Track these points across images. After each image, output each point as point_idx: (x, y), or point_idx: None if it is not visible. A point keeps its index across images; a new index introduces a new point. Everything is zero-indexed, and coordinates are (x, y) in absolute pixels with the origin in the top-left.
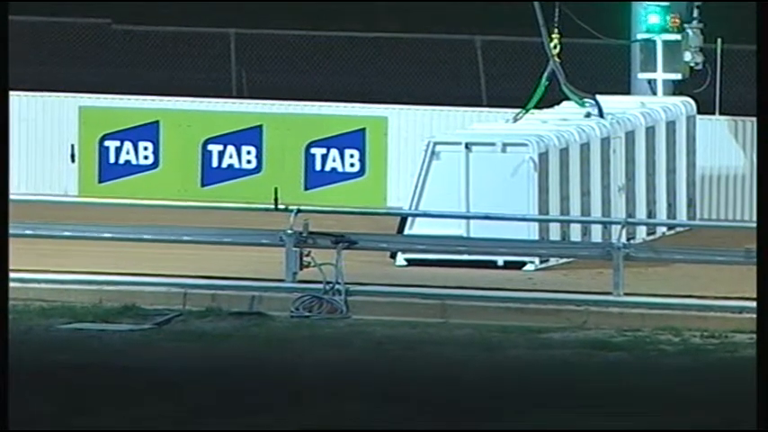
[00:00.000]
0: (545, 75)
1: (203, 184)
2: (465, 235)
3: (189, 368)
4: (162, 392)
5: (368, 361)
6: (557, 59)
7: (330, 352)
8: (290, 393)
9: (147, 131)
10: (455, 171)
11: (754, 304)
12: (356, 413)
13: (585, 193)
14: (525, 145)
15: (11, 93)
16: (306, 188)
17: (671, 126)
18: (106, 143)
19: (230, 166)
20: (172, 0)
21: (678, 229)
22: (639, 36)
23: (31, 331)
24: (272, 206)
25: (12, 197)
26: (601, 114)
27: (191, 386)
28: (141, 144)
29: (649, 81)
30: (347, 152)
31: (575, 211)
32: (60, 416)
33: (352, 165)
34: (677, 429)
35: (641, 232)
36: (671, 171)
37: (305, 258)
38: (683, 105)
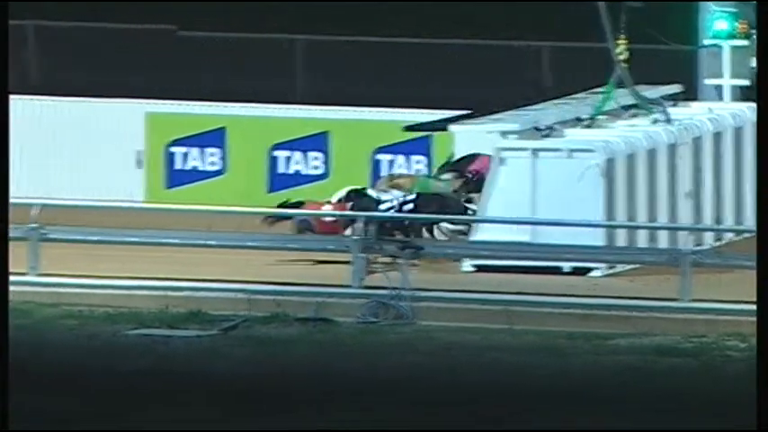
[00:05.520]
0: (613, 80)
1: (270, 190)
2: (531, 241)
3: (254, 374)
4: (227, 398)
5: (433, 367)
6: (624, 65)
7: (395, 358)
8: (354, 399)
9: (214, 137)
10: (521, 177)
11: None
12: (421, 419)
13: (652, 199)
14: (592, 151)
15: (78, 99)
16: None
17: (738, 132)
18: (173, 149)
19: (297, 171)
20: (237, 0)
21: (745, 234)
22: (707, 42)
23: (97, 337)
24: (339, 213)
25: (79, 203)
26: (668, 120)
27: (255, 392)
28: (208, 150)
29: (716, 87)
30: (413, 158)
31: (641, 216)
32: (123, 421)
33: (418, 171)
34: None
35: (708, 238)
36: (738, 177)
37: (371, 264)
38: (750, 111)
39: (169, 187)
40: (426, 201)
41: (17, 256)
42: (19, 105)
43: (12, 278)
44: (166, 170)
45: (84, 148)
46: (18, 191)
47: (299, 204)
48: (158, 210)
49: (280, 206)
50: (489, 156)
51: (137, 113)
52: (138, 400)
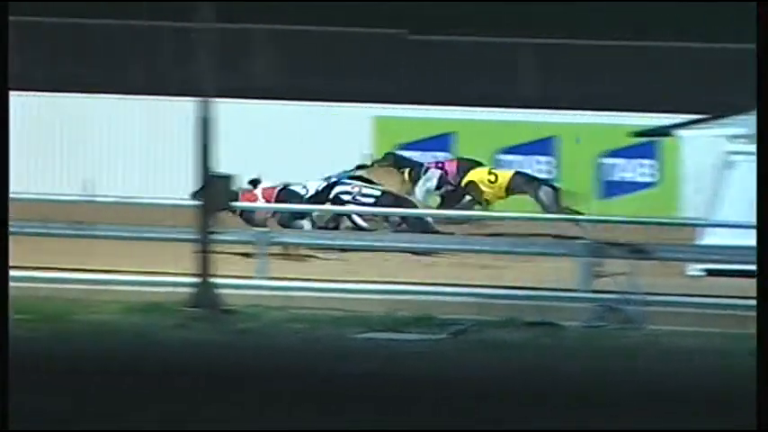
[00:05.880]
0: None
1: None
2: None
3: (482, 377)
4: (455, 401)
5: (662, 371)
6: None
7: (623, 362)
8: (581, 403)
9: (442, 142)
10: (750, 181)
11: None
12: (649, 423)
13: None
14: None
15: (303, 103)
16: (600, 197)
17: None
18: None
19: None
20: (467, 1)
21: None
22: None
23: (323, 340)
24: (571, 217)
25: (305, 207)
26: None
27: (483, 395)
28: (430, 154)
29: None
30: (641, 162)
31: None
32: (348, 424)
33: (645, 174)
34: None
35: None
36: None
37: (599, 268)
38: None
39: None
40: (387, 196)
41: (246, 259)
42: (247, 110)
43: (240, 282)
44: None
45: (312, 150)
46: None
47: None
48: (380, 213)
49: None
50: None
51: (363, 117)
52: (365, 404)
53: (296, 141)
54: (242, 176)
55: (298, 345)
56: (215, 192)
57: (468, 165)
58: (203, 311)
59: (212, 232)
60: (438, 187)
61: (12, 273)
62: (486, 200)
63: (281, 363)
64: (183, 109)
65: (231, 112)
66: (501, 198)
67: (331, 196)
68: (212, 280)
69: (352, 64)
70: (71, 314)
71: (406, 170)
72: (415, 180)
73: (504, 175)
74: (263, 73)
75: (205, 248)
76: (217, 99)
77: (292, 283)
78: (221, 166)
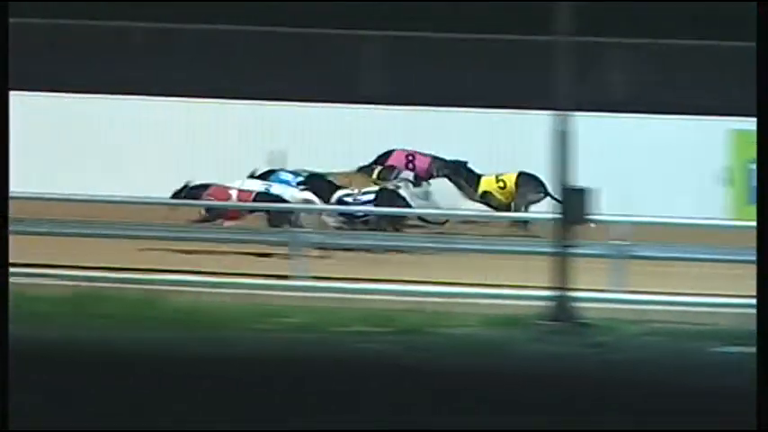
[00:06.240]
0: None
1: None
2: None
3: None
4: None
5: None
6: None
7: None
8: None
9: None
10: None
11: None
12: None
13: None
14: None
15: (656, 117)
16: None
17: None
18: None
19: None
20: None
21: None
22: None
23: (682, 354)
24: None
25: (665, 220)
26: None
27: None
28: None
29: None
30: None
31: None
32: None
33: None
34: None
35: None
36: None
37: None
38: None
39: (753, 203)
40: (384, 196)
41: (599, 272)
42: (601, 123)
43: (594, 295)
44: (750, 187)
45: (659, 163)
46: (607, 208)
47: (204, 187)
48: (743, 227)
49: (182, 189)
50: (406, 150)
51: (719, 131)
52: (738, 422)
53: (646, 155)
54: (598, 190)
55: (657, 359)
56: (572, 205)
57: (440, 163)
58: (561, 325)
59: (570, 245)
60: (416, 187)
61: (359, 285)
62: (500, 205)
63: (641, 377)
64: (541, 122)
65: (585, 126)
66: (511, 200)
67: (334, 200)
68: (569, 293)
69: (708, 77)
70: (427, 327)
71: (376, 170)
72: (384, 180)
73: (509, 178)
74: (615, 86)
75: (563, 261)
76: (573, 112)
77: (647, 296)
78: (577, 179)
